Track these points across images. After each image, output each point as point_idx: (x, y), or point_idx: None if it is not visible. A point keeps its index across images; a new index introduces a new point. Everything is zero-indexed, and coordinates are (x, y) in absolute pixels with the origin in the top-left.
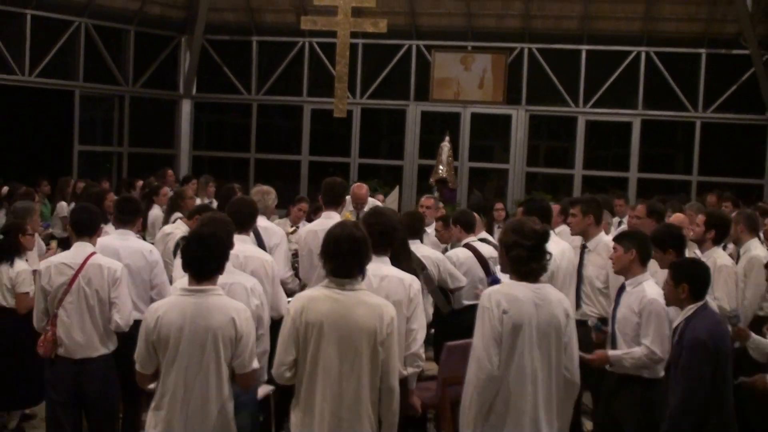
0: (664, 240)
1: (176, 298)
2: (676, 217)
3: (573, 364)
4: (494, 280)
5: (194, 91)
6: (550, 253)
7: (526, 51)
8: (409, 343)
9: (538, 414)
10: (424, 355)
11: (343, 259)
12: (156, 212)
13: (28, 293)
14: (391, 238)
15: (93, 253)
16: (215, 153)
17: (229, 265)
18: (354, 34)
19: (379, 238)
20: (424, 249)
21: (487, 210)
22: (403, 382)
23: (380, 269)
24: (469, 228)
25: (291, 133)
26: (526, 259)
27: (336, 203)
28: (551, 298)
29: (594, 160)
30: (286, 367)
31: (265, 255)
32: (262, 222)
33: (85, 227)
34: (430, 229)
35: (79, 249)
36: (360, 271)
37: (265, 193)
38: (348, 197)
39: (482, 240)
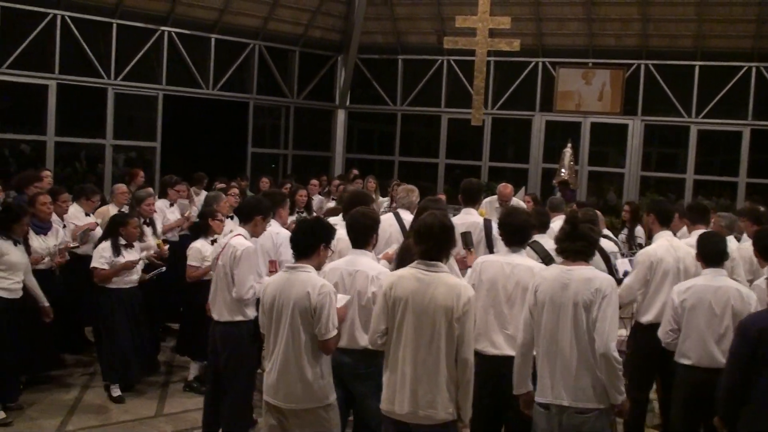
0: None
1: (280, 273)
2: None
3: (600, 338)
4: (625, 273)
5: (348, 102)
6: (592, 238)
7: (642, 67)
8: None
9: (556, 374)
10: None
11: (432, 243)
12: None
13: (194, 266)
14: (523, 234)
15: (236, 235)
16: (365, 156)
17: (359, 257)
18: (487, 53)
19: (512, 237)
20: (551, 242)
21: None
22: None
23: (514, 259)
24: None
25: (430, 139)
26: (560, 240)
27: (473, 201)
28: (579, 277)
29: (704, 165)
30: (378, 334)
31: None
32: (406, 216)
33: (241, 215)
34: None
35: (233, 231)
36: (445, 255)
37: (410, 191)
38: (489, 199)
39: (603, 236)
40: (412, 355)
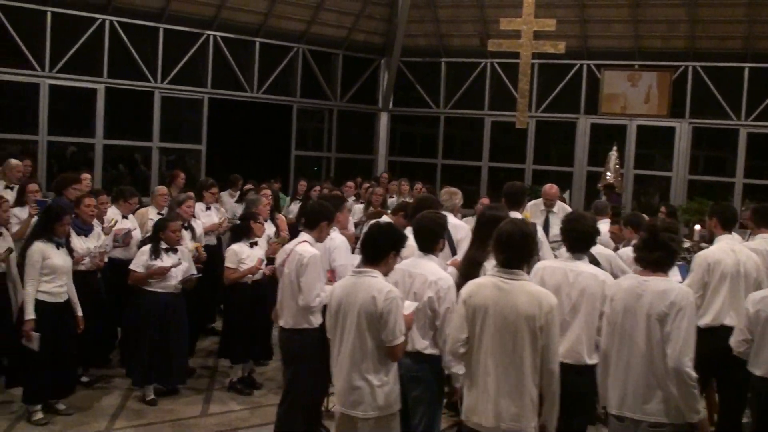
0: None
1: (348, 277)
2: None
3: (672, 351)
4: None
5: (391, 105)
6: (671, 248)
7: (690, 69)
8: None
9: (628, 386)
10: None
11: (513, 251)
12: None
13: (230, 268)
14: (589, 241)
15: (302, 242)
16: (408, 159)
17: (423, 260)
18: (531, 55)
19: (576, 243)
20: (597, 247)
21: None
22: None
23: (578, 266)
24: (639, 229)
25: (473, 142)
26: (638, 248)
27: (517, 204)
28: (653, 288)
29: (754, 169)
30: (460, 343)
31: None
32: (450, 219)
33: (307, 220)
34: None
35: (298, 238)
36: (526, 263)
37: (452, 193)
38: (534, 201)
39: None
40: (494, 365)
